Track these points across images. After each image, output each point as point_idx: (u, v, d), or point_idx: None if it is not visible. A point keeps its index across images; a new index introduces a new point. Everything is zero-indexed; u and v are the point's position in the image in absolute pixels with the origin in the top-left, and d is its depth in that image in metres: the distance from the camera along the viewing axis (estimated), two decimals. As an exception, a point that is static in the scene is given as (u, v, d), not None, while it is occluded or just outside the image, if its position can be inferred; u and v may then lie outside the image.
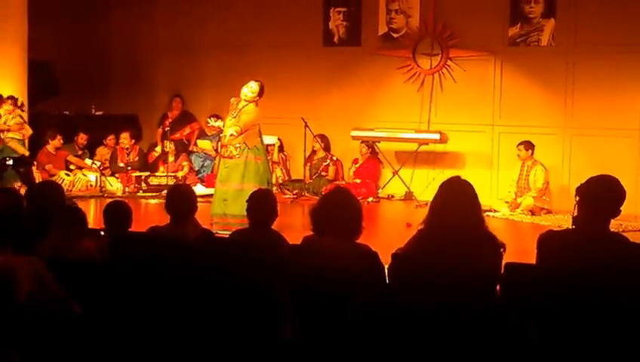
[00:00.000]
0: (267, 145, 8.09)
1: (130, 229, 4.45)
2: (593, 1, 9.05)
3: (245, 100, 7.04)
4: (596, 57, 9.03)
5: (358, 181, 9.89)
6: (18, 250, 3.14)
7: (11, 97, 9.38)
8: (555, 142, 9.29)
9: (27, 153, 9.36)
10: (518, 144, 8.95)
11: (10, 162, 8.16)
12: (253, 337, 3.16)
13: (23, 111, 9.42)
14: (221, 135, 7.27)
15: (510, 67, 9.56)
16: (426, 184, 9.53)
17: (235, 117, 7.03)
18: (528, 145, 8.89)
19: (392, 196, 9.91)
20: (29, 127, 9.48)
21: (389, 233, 7.47)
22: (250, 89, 7.05)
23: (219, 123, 7.44)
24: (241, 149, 6.94)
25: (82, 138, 10.49)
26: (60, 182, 9.49)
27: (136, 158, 10.43)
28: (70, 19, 11.42)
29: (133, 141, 10.58)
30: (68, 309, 3.16)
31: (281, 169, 10.30)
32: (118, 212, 4.48)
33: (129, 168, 10.22)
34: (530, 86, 9.48)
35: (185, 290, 3.39)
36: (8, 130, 9.20)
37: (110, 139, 10.60)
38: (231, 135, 6.92)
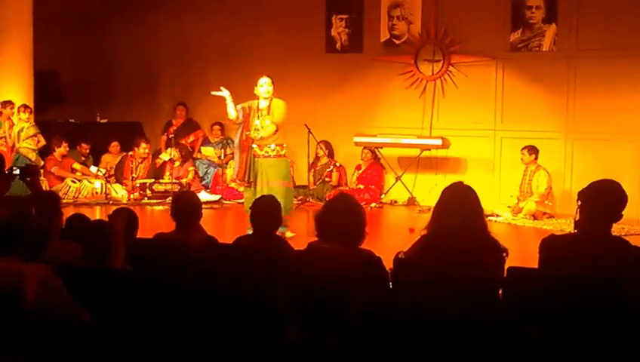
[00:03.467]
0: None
1: (136, 236, 4.48)
2: (594, 7, 9.06)
3: (265, 98, 7.04)
4: (597, 62, 9.04)
5: (362, 187, 9.92)
6: (26, 257, 3.16)
7: (26, 106, 9.42)
8: (557, 146, 9.30)
9: (41, 163, 9.39)
10: (522, 148, 8.96)
11: (17, 172, 8.18)
12: (256, 342, 3.18)
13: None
14: (257, 135, 7.03)
15: (512, 72, 9.58)
16: (428, 189, 9.53)
17: (267, 115, 7.02)
18: (532, 150, 8.90)
19: (395, 201, 9.94)
20: (42, 138, 9.55)
21: (392, 238, 7.47)
22: (267, 84, 7.04)
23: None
24: (280, 148, 7.07)
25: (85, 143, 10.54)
26: (66, 190, 9.62)
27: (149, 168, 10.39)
28: (75, 29, 11.48)
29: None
30: (77, 316, 3.17)
31: (285, 175, 10.31)
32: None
33: (135, 176, 10.23)
34: (531, 91, 9.50)
35: (190, 296, 3.41)
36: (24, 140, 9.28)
37: (114, 146, 10.64)
38: (274, 132, 6.99)
